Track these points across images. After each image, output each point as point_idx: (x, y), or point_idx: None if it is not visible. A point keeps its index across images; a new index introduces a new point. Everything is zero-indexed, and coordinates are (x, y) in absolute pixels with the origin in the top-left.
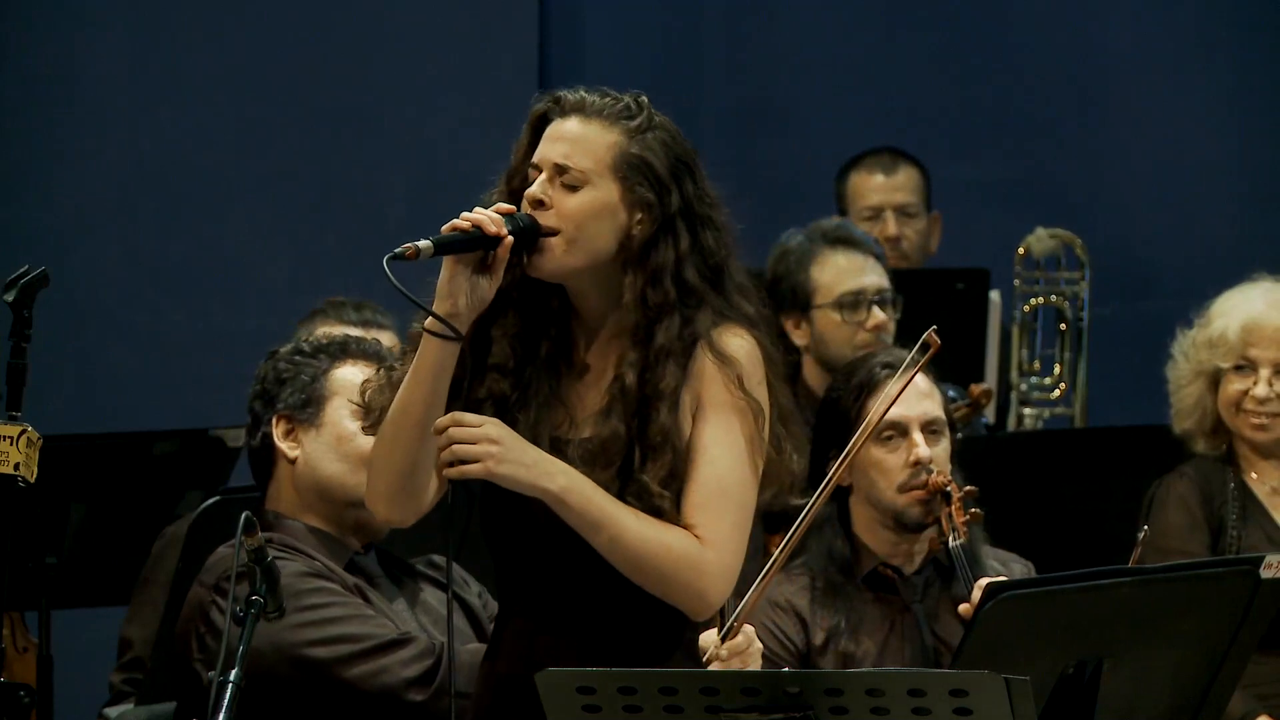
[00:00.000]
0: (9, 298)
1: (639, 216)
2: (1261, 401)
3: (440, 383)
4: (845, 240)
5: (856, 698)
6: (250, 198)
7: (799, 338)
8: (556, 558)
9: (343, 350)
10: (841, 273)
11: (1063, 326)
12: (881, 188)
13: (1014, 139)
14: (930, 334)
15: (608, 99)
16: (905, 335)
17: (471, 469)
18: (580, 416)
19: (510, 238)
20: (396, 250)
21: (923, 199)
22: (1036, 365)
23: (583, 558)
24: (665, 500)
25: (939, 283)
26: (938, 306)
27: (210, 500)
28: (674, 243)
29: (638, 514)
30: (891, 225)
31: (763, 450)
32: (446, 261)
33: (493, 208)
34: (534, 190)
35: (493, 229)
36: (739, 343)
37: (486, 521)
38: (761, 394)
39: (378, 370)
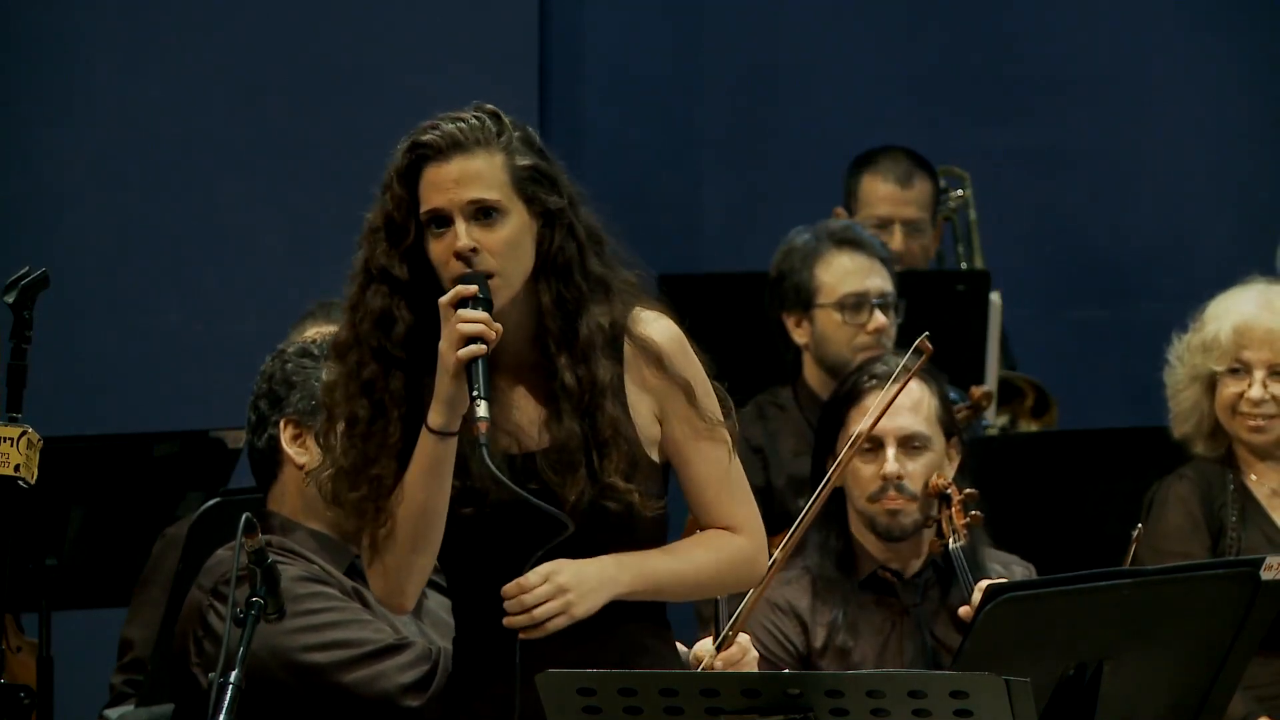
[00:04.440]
0: (9, 299)
1: (545, 222)
2: (1256, 404)
3: (448, 474)
4: (852, 242)
5: (857, 699)
6: (248, 183)
7: (800, 336)
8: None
9: None
10: (846, 274)
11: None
12: (894, 199)
13: (1016, 122)
14: (923, 340)
15: (469, 124)
16: (906, 337)
17: (556, 623)
18: (530, 429)
19: (500, 326)
20: (483, 441)
21: (932, 212)
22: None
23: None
24: (634, 494)
25: (940, 285)
26: (939, 308)
27: (210, 502)
28: (574, 235)
29: (678, 550)
30: (898, 240)
31: (710, 416)
32: (447, 378)
33: (452, 297)
34: (464, 243)
35: (493, 335)
36: (656, 327)
37: (444, 554)
38: (689, 365)
39: (336, 475)
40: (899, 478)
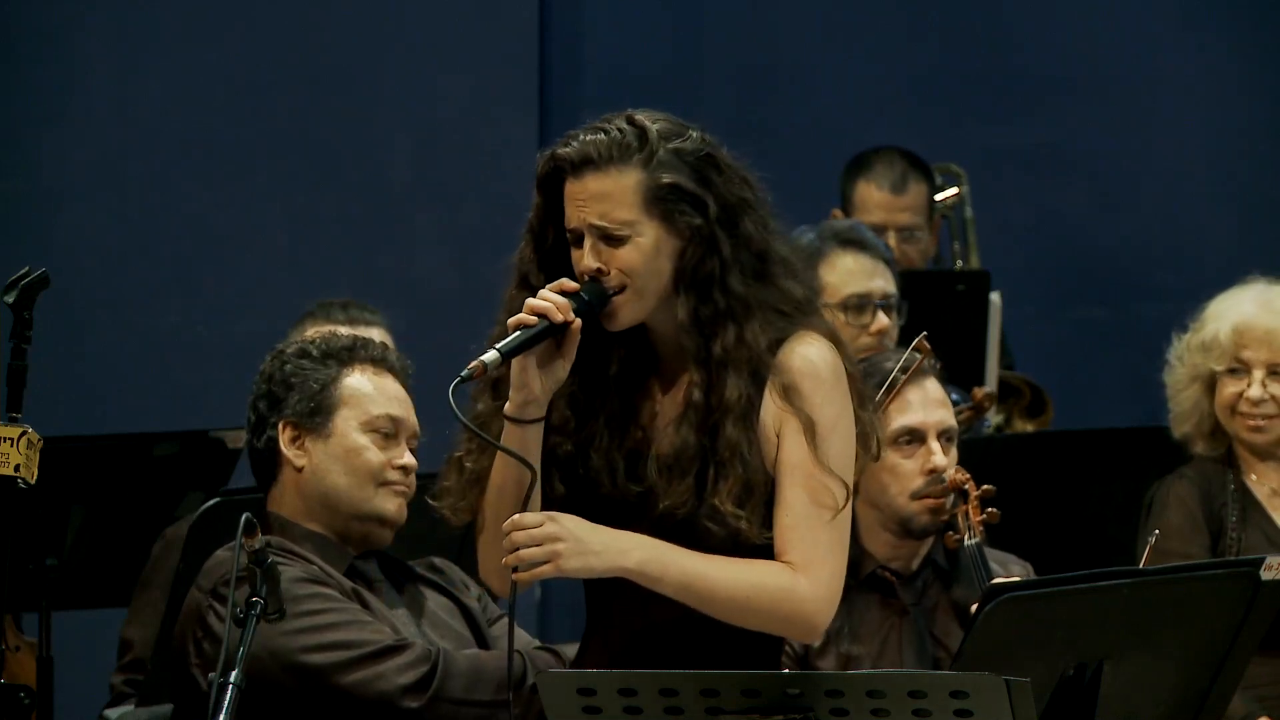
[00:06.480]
0: (9, 299)
1: (687, 238)
2: (1256, 403)
3: (528, 460)
4: (856, 243)
5: (857, 699)
6: (248, 183)
7: None
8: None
9: (350, 355)
10: (849, 275)
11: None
12: (888, 206)
13: (1016, 123)
14: (921, 340)
15: (606, 138)
16: (907, 338)
17: (541, 571)
18: (657, 428)
19: (579, 321)
20: (463, 374)
21: (928, 215)
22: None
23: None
24: (743, 520)
25: (940, 285)
26: (939, 308)
27: (211, 502)
28: (717, 251)
29: (721, 561)
30: (893, 246)
31: (836, 454)
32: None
33: (553, 287)
34: (588, 262)
35: (560, 317)
36: (800, 353)
37: None
38: (820, 399)
39: (448, 463)
40: (945, 469)
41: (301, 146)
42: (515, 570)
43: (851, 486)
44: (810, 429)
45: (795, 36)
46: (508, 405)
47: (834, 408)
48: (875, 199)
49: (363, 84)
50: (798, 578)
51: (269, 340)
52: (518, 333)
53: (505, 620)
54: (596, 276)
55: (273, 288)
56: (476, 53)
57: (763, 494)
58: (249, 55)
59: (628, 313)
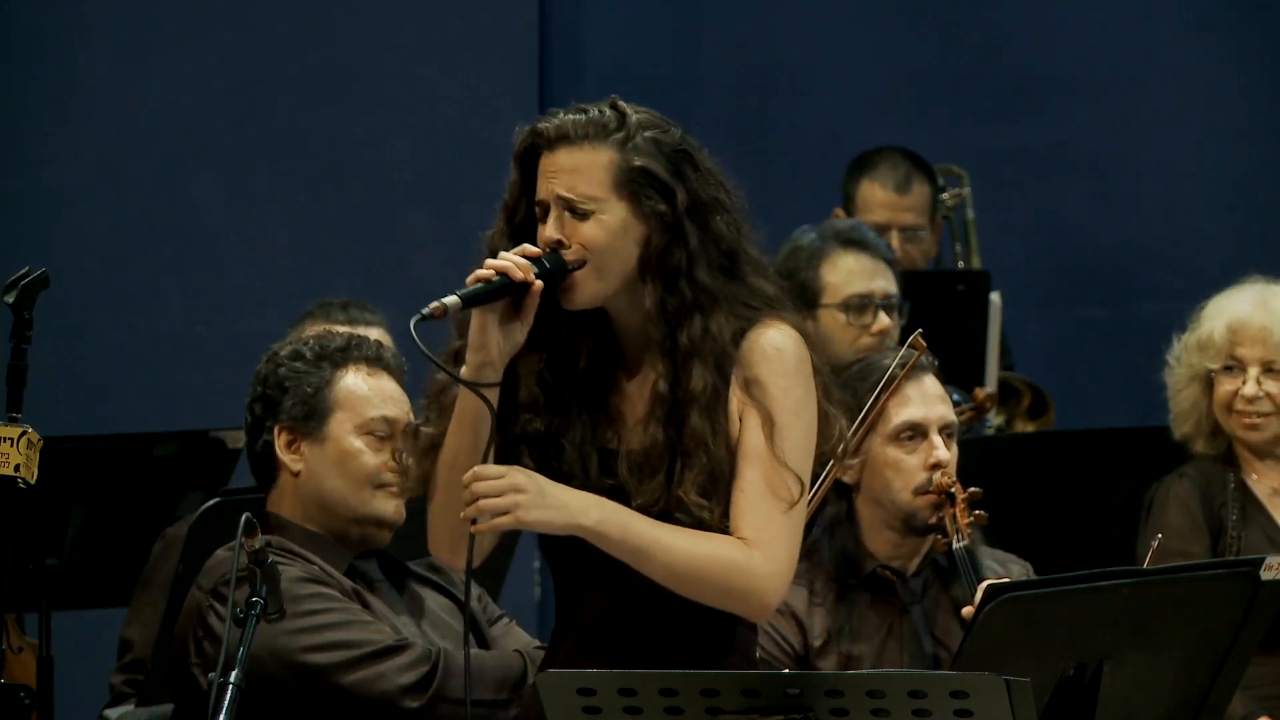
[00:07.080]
0: (9, 299)
1: (653, 225)
2: (1250, 401)
3: (483, 428)
4: (858, 243)
5: (857, 699)
6: (249, 183)
7: None
8: (609, 570)
9: (344, 356)
10: (851, 275)
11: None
12: (891, 205)
13: (1016, 122)
14: (916, 337)
15: (586, 117)
16: (907, 338)
17: (500, 521)
18: (627, 425)
19: (539, 283)
20: (423, 311)
21: (930, 216)
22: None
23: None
24: (706, 510)
25: (940, 285)
26: (939, 308)
27: (211, 502)
28: (684, 243)
29: (680, 530)
30: (895, 246)
31: (794, 447)
32: (476, 313)
33: (516, 251)
34: (550, 232)
35: (520, 275)
36: (765, 341)
37: (544, 541)
38: (780, 389)
39: (405, 432)
40: (946, 464)
41: (301, 146)
42: (474, 523)
43: (808, 480)
44: (769, 423)
45: (795, 36)
46: (464, 369)
47: (794, 395)
48: (879, 198)
49: (363, 84)
50: (752, 553)
51: (269, 340)
52: (481, 288)
53: (506, 620)
54: (556, 248)
55: (273, 288)
56: (476, 53)
57: (727, 484)
58: (249, 55)
59: (586, 290)
